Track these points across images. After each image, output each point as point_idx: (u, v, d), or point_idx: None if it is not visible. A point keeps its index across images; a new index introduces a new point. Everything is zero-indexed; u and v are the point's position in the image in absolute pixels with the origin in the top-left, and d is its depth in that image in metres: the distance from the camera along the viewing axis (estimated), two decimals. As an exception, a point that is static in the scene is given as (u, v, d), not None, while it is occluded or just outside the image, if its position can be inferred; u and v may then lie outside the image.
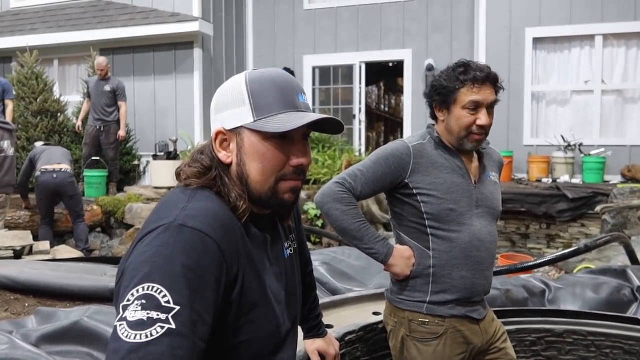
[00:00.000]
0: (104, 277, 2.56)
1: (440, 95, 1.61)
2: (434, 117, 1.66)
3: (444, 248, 1.57)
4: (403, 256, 1.60)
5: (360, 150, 8.11)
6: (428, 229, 1.59)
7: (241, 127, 0.95)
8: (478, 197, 1.61)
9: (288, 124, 0.91)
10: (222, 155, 0.97)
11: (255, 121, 0.93)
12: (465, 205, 1.58)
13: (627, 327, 1.97)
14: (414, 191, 1.59)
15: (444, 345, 1.57)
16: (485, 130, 1.58)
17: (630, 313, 2.32)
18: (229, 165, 0.97)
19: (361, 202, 1.73)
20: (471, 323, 1.60)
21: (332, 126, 1.00)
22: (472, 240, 1.57)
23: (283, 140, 0.94)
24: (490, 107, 1.58)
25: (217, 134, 0.98)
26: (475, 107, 1.55)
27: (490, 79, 1.56)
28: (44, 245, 4.30)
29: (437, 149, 1.63)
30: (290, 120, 0.91)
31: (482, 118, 1.55)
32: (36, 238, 4.97)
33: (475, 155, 1.68)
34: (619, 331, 1.95)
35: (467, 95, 1.55)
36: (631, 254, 3.07)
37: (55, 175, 5.16)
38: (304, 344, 1.47)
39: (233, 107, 0.96)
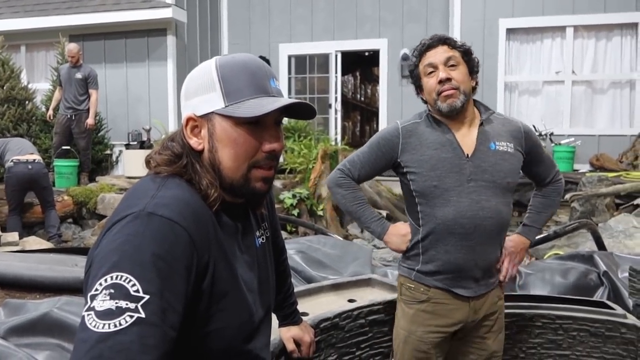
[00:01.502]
0: (75, 268, 2.51)
1: (413, 78, 1.70)
2: (425, 102, 1.71)
3: (431, 224, 1.61)
4: (399, 233, 1.70)
5: (336, 139, 8.12)
6: (418, 206, 1.64)
7: (212, 112, 0.93)
8: (471, 171, 1.58)
9: (259, 108, 0.90)
10: (193, 142, 0.96)
11: (226, 106, 0.92)
12: (452, 181, 1.57)
13: (594, 310, 2.03)
14: (404, 170, 1.65)
15: (424, 311, 1.63)
16: (451, 84, 1.56)
17: (596, 297, 2.39)
18: (201, 152, 0.96)
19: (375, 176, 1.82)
20: (456, 298, 1.61)
21: (304, 112, 0.99)
22: (456, 217, 1.56)
23: (255, 126, 0.93)
24: (449, 65, 1.58)
25: (188, 120, 0.96)
26: (432, 69, 1.60)
27: (439, 41, 1.61)
28: (12, 236, 4.20)
29: (429, 126, 1.65)
30: (262, 105, 0.90)
31: (441, 73, 1.57)
32: (4, 229, 4.86)
33: (476, 126, 1.63)
34: (585, 314, 2.01)
35: (422, 63, 1.64)
36: (598, 240, 3.16)
37: (30, 166, 5.12)
38: (279, 332, 1.47)
39: (203, 93, 0.94)
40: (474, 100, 1.68)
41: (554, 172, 1.80)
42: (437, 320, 1.62)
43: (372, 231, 1.75)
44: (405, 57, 7.68)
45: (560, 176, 1.82)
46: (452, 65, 1.58)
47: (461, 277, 1.61)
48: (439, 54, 1.59)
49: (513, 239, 1.76)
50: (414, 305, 1.65)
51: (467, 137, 1.62)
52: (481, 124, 1.63)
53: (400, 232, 1.70)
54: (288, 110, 0.96)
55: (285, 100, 0.93)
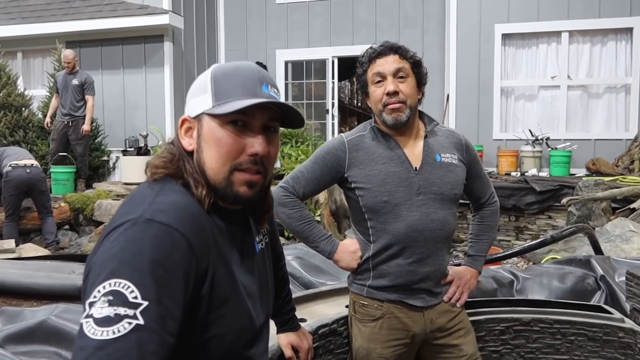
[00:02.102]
0: (72, 275, 2.50)
1: (359, 83, 1.67)
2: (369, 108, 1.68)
3: (382, 239, 1.59)
4: (348, 250, 1.65)
5: (333, 144, 8.12)
6: (367, 222, 1.61)
7: (202, 113, 0.95)
8: (420, 184, 1.58)
9: (237, 105, 0.90)
10: (185, 143, 0.97)
11: (213, 106, 0.93)
12: (402, 195, 1.56)
13: (591, 314, 2.03)
14: (352, 185, 1.61)
15: (380, 328, 1.61)
16: (398, 97, 1.54)
17: (593, 301, 2.39)
18: (192, 153, 0.97)
19: (334, 196, 1.75)
20: (411, 310, 1.61)
21: (290, 118, 0.99)
22: (408, 231, 1.56)
23: (241, 128, 0.93)
24: (398, 76, 1.55)
25: (183, 121, 0.99)
26: (380, 78, 1.57)
27: (389, 49, 1.58)
28: (9, 243, 4.19)
29: (375, 139, 1.62)
30: (241, 104, 0.90)
31: (388, 85, 1.54)
32: (0, 236, 4.85)
33: (421, 138, 1.63)
34: (583, 319, 2.01)
35: (371, 70, 1.59)
36: (595, 244, 3.17)
37: (28, 170, 5.18)
38: (277, 338, 1.47)
39: (198, 95, 0.97)
40: (419, 112, 1.67)
41: (489, 192, 1.78)
42: (394, 335, 1.61)
43: (320, 250, 1.67)
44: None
45: (495, 198, 1.81)
46: (401, 77, 1.56)
47: (414, 289, 1.61)
48: (388, 64, 1.56)
49: (460, 269, 1.75)
50: (369, 324, 1.63)
51: (413, 150, 1.61)
52: (426, 136, 1.63)
53: (350, 249, 1.65)
54: (277, 119, 0.97)
55: (262, 99, 0.92)
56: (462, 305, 1.72)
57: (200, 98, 0.96)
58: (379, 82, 1.58)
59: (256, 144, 0.93)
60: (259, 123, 0.94)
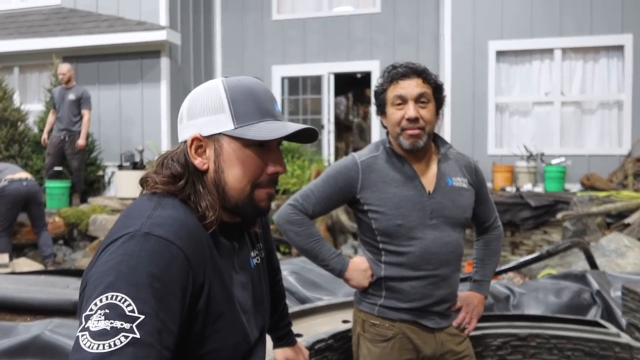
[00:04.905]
0: (66, 289, 2.48)
1: (377, 100, 1.65)
2: (384, 126, 1.67)
3: (395, 262, 1.58)
4: (359, 269, 1.63)
5: (329, 160, 8.15)
6: (380, 244, 1.60)
7: (220, 133, 0.94)
8: (433, 208, 1.58)
9: (273, 132, 0.93)
10: (198, 162, 0.96)
11: (235, 128, 0.94)
12: (415, 218, 1.56)
13: (587, 329, 2.03)
14: (365, 207, 1.60)
15: (392, 349, 1.59)
16: (418, 124, 1.53)
17: (590, 316, 2.39)
18: (205, 172, 0.96)
19: (330, 212, 1.72)
20: (423, 331, 1.60)
21: (307, 135, 1.02)
22: (423, 254, 1.56)
23: (261, 148, 0.96)
24: (420, 101, 1.54)
25: (193, 140, 0.96)
26: (401, 101, 1.55)
27: (413, 72, 1.55)
28: (2, 258, 4.16)
29: (388, 161, 1.61)
30: (272, 129, 0.93)
31: (409, 111, 1.53)
32: (-6, 251, 4.81)
33: (435, 161, 1.64)
34: (579, 334, 2.01)
35: (392, 91, 1.57)
36: (590, 259, 3.17)
37: (25, 183, 5.20)
38: (273, 353, 1.46)
39: (211, 114, 0.95)
40: (433, 134, 1.66)
41: (494, 217, 1.78)
42: (405, 355, 1.60)
43: (331, 269, 1.65)
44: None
45: (499, 222, 1.81)
46: (423, 102, 1.55)
47: (427, 311, 1.60)
48: (411, 87, 1.54)
49: (468, 295, 1.74)
50: (380, 344, 1.61)
51: (427, 173, 1.62)
52: (439, 160, 1.63)
53: (361, 267, 1.63)
54: (294, 134, 0.98)
55: (295, 125, 0.95)
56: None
57: (215, 117, 0.94)
58: (399, 104, 1.56)
59: (277, 164, 0.98)
60: (276, 143, 0.98)
